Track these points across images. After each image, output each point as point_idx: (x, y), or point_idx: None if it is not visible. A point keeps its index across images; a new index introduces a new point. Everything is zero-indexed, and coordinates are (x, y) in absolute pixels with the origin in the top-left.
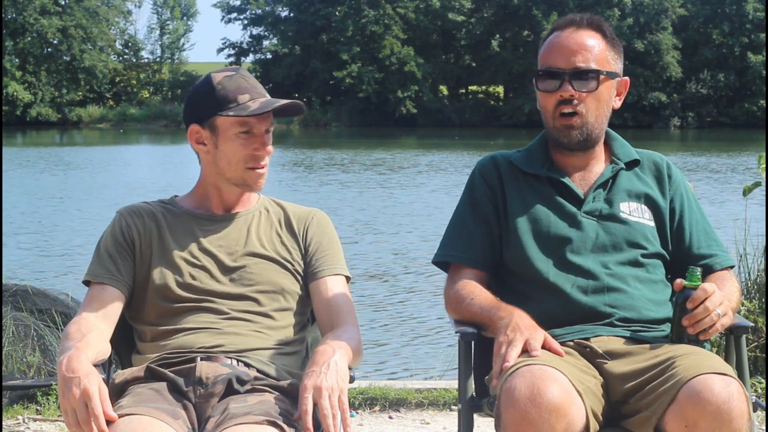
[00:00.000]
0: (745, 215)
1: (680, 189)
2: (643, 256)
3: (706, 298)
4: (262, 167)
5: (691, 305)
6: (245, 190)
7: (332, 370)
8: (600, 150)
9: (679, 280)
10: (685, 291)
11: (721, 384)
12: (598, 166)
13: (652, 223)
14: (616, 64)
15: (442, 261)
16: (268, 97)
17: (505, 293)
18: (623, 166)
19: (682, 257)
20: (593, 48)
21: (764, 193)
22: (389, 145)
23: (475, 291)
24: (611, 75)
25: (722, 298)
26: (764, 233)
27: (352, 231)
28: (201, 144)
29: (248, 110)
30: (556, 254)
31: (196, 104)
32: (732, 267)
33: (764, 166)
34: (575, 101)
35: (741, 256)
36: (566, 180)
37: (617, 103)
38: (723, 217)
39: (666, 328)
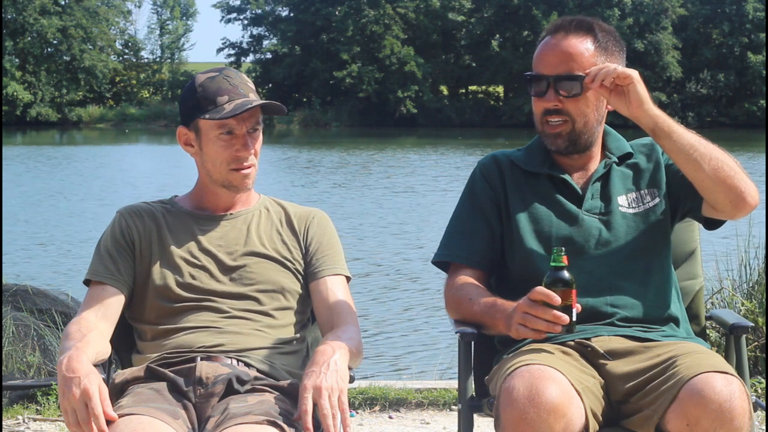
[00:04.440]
0: (749, 216)
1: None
2: (646, 250)
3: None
4: (247, 168)
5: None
6: (232, 191)
7: (332, 370)
8: (597, 149)
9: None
10: (553, 271)
11: (723, 382)
12: (595, 163)
13: (655, 201)
14: None
15: (441, 261)
16: (250, 97)
17: (506, 293)
18: (615, 160)
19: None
20: (580, 54)
21: (765, 193)
22: (391, 145)
23: (474, 291)
24: None
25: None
26: (764, 233)
27: (352, 231)
28: (189, 146)
29: (222, 113)
30: None
31: (182, 106)
32: None
33: None
34: (561, 111)
35: (742, 257)
36: (566, 177)
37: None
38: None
39: (667, 328)
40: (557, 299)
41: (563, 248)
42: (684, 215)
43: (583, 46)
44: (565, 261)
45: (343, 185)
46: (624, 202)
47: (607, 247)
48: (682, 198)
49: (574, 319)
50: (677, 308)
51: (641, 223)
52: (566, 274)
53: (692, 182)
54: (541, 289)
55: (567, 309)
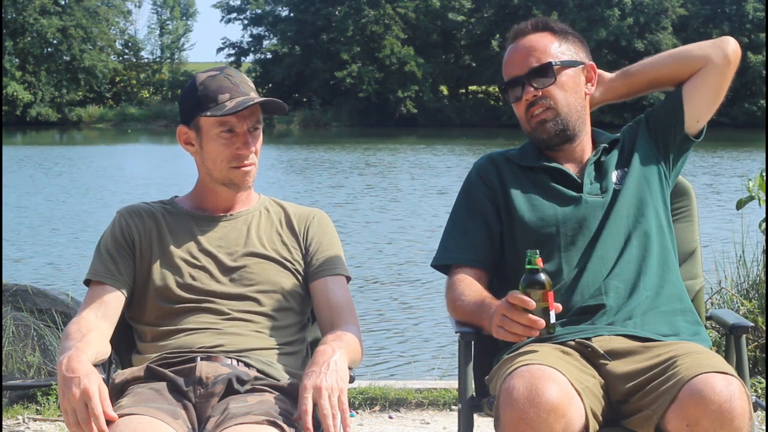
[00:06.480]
0: (743, 217)
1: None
2: (647, 231)
3: None
4: (247, 165)
5: None
6: (233, 190)
7: (332, 370)
8: (587, 139)
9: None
10: (528, 274)
11: (723, 383)
12: (587, 153)
13: (651, 173)
14: (576, 54)
15: (441, 264)
16: (251, 95)
17: (509, 290)
18: (606, 145)
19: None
20: (544, 47)
21: (765, 196)
22: (401, 145)
23: (466, 291)
24: (568, 64)
25: None
26: (765, 233)
27: (352, 231)
28: (189, 145)
29: (224, 110)
30: (563, 241)
31: (182, 105)
32: None
33: (760, 182)
34: (541, 99)
35: (740, 256)
36: (562, 167)
37: (590, 89)
38: (723, 217)
39: (668, 328)
40: (532, 304)
41: (537, 251)
42: (680, 147)
43: (544, 40)
44: (539, 264)
45: (343, 185)
46: (615, 179)
47: (612, 225)
48: (669, 126)
49: (553, 320)
50: (680, 285)
51: (632, 198)
52: (542, 276)
53: (671, 78)
54: (516, 294)
55: (544, 312)
